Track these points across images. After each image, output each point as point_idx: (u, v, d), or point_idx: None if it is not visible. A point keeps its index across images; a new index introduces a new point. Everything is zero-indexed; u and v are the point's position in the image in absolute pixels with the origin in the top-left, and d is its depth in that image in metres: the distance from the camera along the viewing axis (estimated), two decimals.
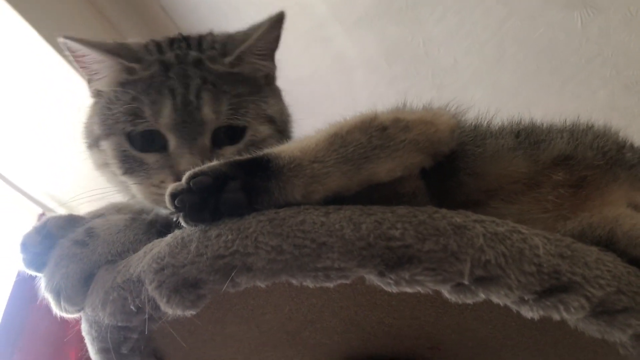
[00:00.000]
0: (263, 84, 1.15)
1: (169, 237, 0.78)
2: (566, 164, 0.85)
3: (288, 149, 0.77)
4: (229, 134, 1.05)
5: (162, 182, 0.99)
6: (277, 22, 1.13)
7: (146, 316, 0.77)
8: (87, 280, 0.84)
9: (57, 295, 0.84)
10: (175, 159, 0.99)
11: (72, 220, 0.94)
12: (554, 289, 0.66)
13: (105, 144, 1.06)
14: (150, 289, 0.75)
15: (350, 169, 0.74)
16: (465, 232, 0.67)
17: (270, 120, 1.10)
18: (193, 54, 1.09)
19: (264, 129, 1.08)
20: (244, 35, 1.13)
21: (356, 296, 0.79)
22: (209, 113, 1.01)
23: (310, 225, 0.70)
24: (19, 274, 2.86)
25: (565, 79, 2.59)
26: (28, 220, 3.71)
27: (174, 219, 0.76)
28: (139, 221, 0.91)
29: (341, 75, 2.78)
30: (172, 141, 1.00)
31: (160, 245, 0.78)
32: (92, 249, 0.85)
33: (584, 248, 0.70)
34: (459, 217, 0.69)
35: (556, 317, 0.67)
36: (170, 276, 0.73)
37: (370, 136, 0.75)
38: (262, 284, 0.72)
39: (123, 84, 1.05)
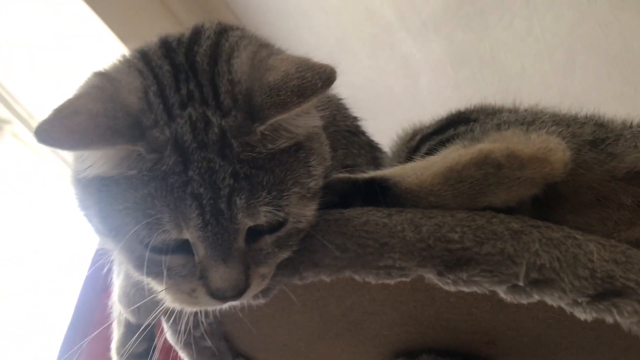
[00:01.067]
0: (304, 141, 0.83)
1: None
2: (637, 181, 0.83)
3: (405, 177, 0.82)
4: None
5: (193, 290, 0.79)
6: (324, 86, 0.74)
7: None
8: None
9: (136, 310, 0.89)
10: (209, 273, 0.77)
11: None
12: (607, 293, 0.69)
13: (110, 243, 0.83)
14: None
15: (465, 202, 0.78)
16: (521, 236, 0.71)
17: (317, 192, 0.83)
18: (213, 122, 0.75)
19: (310, 208, 0.82)
20: (275, 92, 0.74)
21: (415, 292, 0.83)
22: (244, 220, 0.75)
23: (374, 226, 0.76)
24: (91, 266, 3.01)
25: (638, 87, 2.53)
26: None
27: None
28: None
29: (407, 80, 2.80)
30: (201, 250, 0.76)
31: None
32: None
33: (639, 255, 0.72)
34: (516, 222, 0.73)
35: (609, 320, 0.70)
36: None
37: (486, 173, 0.76)
38: (327, 278, 0.78)
39: (126, 179, 0.75)
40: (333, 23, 2.46)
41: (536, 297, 0.72)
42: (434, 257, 0.72)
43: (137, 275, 0.83)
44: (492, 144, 0.78)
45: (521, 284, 0.71)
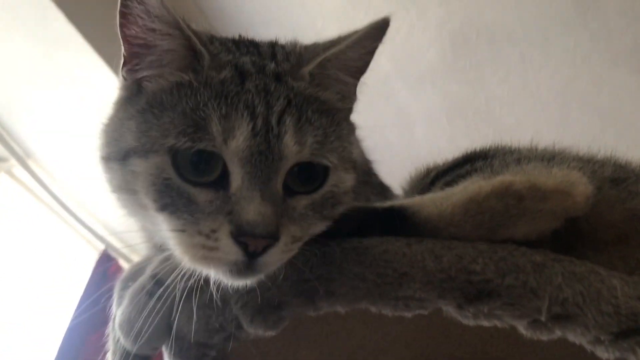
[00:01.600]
0: (343, 118, 0.90)
1: None
2: None
3: (424, 207, 0.81)
4: (303, 177, 0.80)
5: (214, 231, 0.73)
6: (380, 28, 0.86)
7: (228, 334, 0.82)
8: (168, 326, 0.87)
9: (137, 337, 0.86)
10: (240, 204, 0.73)
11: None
12: (631, 331, 0.67)
13: (138, 164, 0.79)
14: (235, 308, 0.80)
15: (485, 234, 0.76)
16: (544, 269, 0.70)
17: (355, 166, 0.88)
18: (270, 66, 0.83)
19: (349, 178, 0.85)
20: (329, 43, 0.87)
21: (430, 328, 0.81)
22: (292, 145, 0.76)
23: (393, 255, 0.74)
24: (77, 307, 2.95)
25: (630, 144, 2.57)
26: (91, 255, 3.84)
27: None
28: None
29: (402, 129, 2.84)
30: (238, 177, 0.74)
31: None
32: (166, 300, 0.83)
33: None
34: (538, 255, 0.72)
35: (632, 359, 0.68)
36: (256, 297, 0.78)
37: (507, 204, 0.75)
38: (342, 309, 0.76)
39: (183, 85, 0.80)
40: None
41: (558, 333, 0.70)
42: (455, 289, 0.71)
43: (152, 208, 0.78)
44: (513, 176, 0.78)
45: (543, 318, 0.69)
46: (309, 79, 0.83)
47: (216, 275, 0.77)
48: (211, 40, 0.86)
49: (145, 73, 0.83)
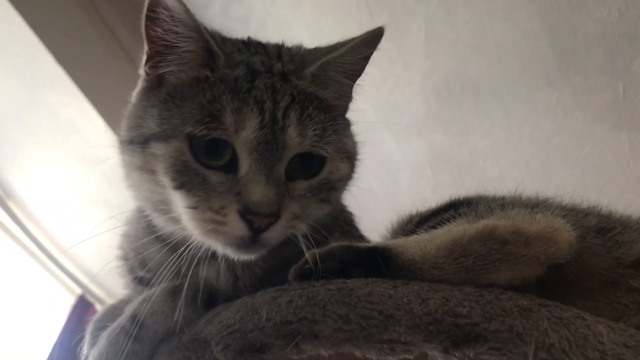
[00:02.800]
0: (339, 114, 1.02)
1: (238, 302, 0.82)
2: None
3: (408, 249, 0.81)
4: (303, 165, 0.93)
5: (223, 208, 0.84)
6: (375, 37, 0.98)
7: None
8: None
9: None
10: (248, 186, 0.84)
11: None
12: None
13: (159, 147, 0.89)
14: (215, 350, 0.78)
15: (468, 277, 0.76)
16: (530, 314, 0.69)
17: (349, 157, 1.00)
18: (277, 64, 0.96)
19: (343, 167, 0.98)
20: (329, 48, 1.00)
21: None
22: (294, 136, 0.88)
23: (378, 297, 0.73)
24: (51, 352, 2.87)
25: (612, 199, 2.59)
26: (68, 300, 3.76)
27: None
28: (182, 298, 0.88)
29: (387, 178, 2.85)
30: (246, 163, 0.86)
31: (229, 309, 0.82)
32: (145, 342, 0.86)
33: None
34: (524, 299, 0.71)
35: None
36: (238, 339, 0.76)
37: (490, 249, 0.75)
38: (325, 353, 0.74)
39: (200, 79, 0.90)
40: None
41: None
42: (441, 332, 0.69)
43: (169, 187, 0.89)
44: (497, 220, 0.78)
45: None
46: (310, 79, 0.96)
47: (224, 249, 0.88)
48: (224, 41, 0.99)
49: (167, 69, 0.94)
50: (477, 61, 2.37)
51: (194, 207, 0.86)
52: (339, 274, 0.80)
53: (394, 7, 2.27)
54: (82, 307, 3.55)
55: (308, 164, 0.94)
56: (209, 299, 0.89)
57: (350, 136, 1.04)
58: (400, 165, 2.82)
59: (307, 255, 0.82)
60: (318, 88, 0.96)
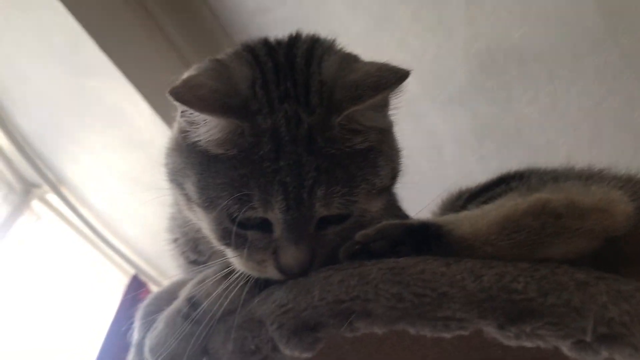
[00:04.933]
0: (375, 144, 0.94)
1: (290, 282, 0.83)
2: None
3: (458, 225, 0.80)
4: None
5: (263, 261, 0.90)
6: (397, 82, 0.88)
7: (263, 356, 0.81)
8: (203, 350, 0.89)
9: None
10: (280, 250, 0.89)
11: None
12: None
13: (200, 213, 0.95)
14: (270, 329, 0.79)
15: (522, 253, 0.75)
16: (588, 288, 0.68)
17: (382, 190, 0.96)
18: (304, 120, 0.88)
19: (375, 205, 0.95)
20: (354, 87, 0.87)
21: (470, 350, 0.79)
22: (320, 209, 0.88)
23: (431, 274, 0.73)
24: (108, 333, 2.97)
25: None
26: (121, 281, 3.86)
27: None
28: (236, 279, 0.91)
29: (431, 150, 2.82)
30: (278, 230, 0.89)
31: (281, 289, 0.83)
32: (202, 323, 0.88)
33: None
34: (581, 273, 0.70)
35: None
36: (292, 318, 0.77)
37: (544, 223, 0.73)
38: (379, 331, 0.75)
39: (229, 155, 0.89)
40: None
41: (604, 354, 0.67)
42: (496, 308, 0.69)
43: (217, 244, 0.96)
44: (550, 194, 0.76)
45: (588, 339, 0.67)
46: (338, 128, 0.88)
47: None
48: (253, 84, 0.91)
49: (197, 139, 0.92)
50: (519, 27, 2.31)
51: (239, 256, 0.93)
52: (389, 253, 0.80)
53: None
54: (136, 286, 3.65)
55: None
56: (263, 279, 0.91)
57: (385, 165, 0.96)
58: (444, 136, 2.79)
59: (357, 235, 0.82)
60: (347, 138, 0.90)
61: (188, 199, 0.96)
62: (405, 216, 1.13)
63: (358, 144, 0.91)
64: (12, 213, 3.35)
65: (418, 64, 2.53)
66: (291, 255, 0.87)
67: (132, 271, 3.78)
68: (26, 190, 3.37)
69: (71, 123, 2.89)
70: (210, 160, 0.90)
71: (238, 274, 0.91)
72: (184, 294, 0.91)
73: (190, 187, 0.93)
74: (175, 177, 0.98)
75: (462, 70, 2.52)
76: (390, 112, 1.02)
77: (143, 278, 3.72)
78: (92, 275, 3.78)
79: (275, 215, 0.87)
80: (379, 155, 0.94)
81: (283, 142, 0.87)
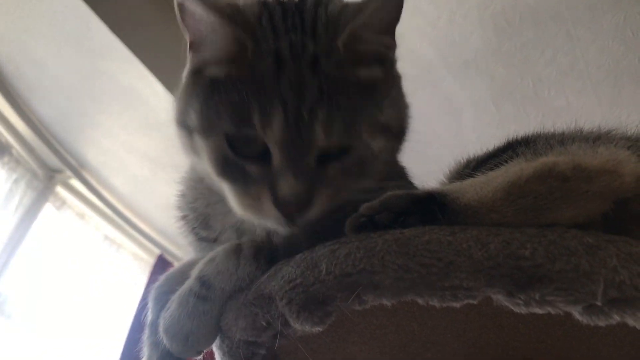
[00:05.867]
0: (379, 79, 0.95)
1: (298, 257, 0.82)
2: None
3: (463, 192, 0.78)
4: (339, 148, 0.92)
5: (259, 196, 0.89)
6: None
7: (275, 332, 0.81)
8: (216, 328, 0.89)
9: (185, 339, 0.87)
10: (278, 180, 0.87)
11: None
12: None
13: (200, 141, 0.94)
14: (280, 305, 0.79)
15: (529, 219, 0.73)
16: (597, 251, 0.66)
17: (386, 129, 0.95)
18: (309, 47, 0.90)
19: (377, 143, 0.94)
20: (357, 9, 0.91)
21: (481, 318, 0.79)
22: (321, 135, 0.87)
23: (437, 244, 0.72)
24: (137, 312, 3.03)
25: None
26: (147, 262, 3.93)
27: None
28: (245, 256, 0.90)
29: (449, 117, 2.79)
30: (277, 157, 0.87)
31: (289, 264, 0.82)
32: (214, 301, 0.88)
33: None
34: (590, 237, 0.68)
35: None
36: (301, 293, 0.77)
37: (550, 187, 0.71)
38: (388, 302, 0.74)
39: (232, 76, 0.90)
40: None
41: (616, 318, 0.66)
42: (504, 276, 0.67)
43: (213, 176, 0.95)
44: (556, 157, 0.74)
45: (599, 303, 0.65)
46: (343, 50, 0.89)
47: (264, 226, 0.94)
48: (260, 17, 0.94)
49: (201, 63, 0.95)
50: None
51: (236, 191, 0.92)
52: (395, 224, 0.79)
53: None
54: (162, 266, 3.70)
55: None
56: (270, 254, 0.91)
57: (390, 104, 0.96)
58: (462, 103, 2.76)
59: (362, 207, 0.81)
60: (352, 62, 0.90)
61: (190, 132, 0.95)
62: (415, 188, 1.12)
63: (363, 74, 0.92)
64: (37, 199, 3.41)
65: (432, 30, 2.49)
66: (289, 186, 0.86)
67: (157, 251, 3.84)
68: (49, 176, 3.43)
69: (88, 106, 2.92)
70: (214, 86, 0.91)
71: (247, 249, 0.91)
72: (194, 273, 0.91)
73: (193, 117, 0.94)
74: (182, 118, 0.98)
75: (478, 34, 2.48)
76: (397, 66, 1.03)
77: (169, 258, 3.77)
78: (119, 257, 3.84)
79: (274, 136, 0.86)
80: (384, 94, 0.95)
81: (286, 62, 0.88)
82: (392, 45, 0.98)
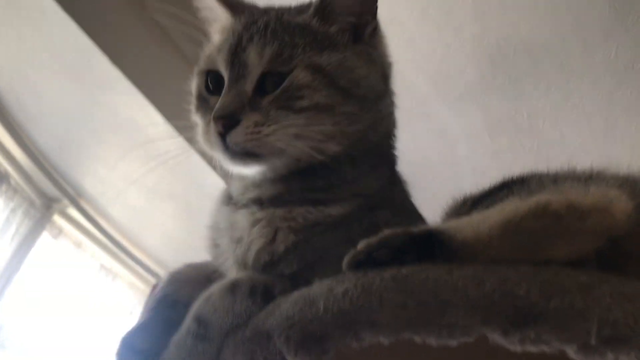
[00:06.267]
0: (342, 41, 1.07)
1: (295, 294, 0.83)
2: None
3: (460, 230, 0.79)
4: (276, 82, 1.01)
5: (209, 121, 1.00)
6: None
7: None
8: None
9: None
10: (217, 104, 1.00)
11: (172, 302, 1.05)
12: None
13: (193, 82, 1.14)
14: (278, 342, 0.79)
15: (525, 256, 0.75)
16: (591, 290, 0.68)
17: (317, 69, 1.01)
18: (282, 10, 1.12)
19: (303, 76, 1.00)
20: None
21: (477, 356, 0.79)
22: (252, 55, 1.00)
23: (434, 282, 0.73)
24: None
25: None
26: (143, 291, 3.91)
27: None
28: (241, 292, 0.91)
29: (444, 148, 2.81)
30: (225, 84, 1.02)
31: (288, 302, 0.83)
32: (211, 339, 0.88)
33: None
34: (584, 275, 0.69)
35: None
36: (298, 331, 0.78)
37: (545, 224, 0.73)
38: (385, 340, 0.75)
39: (221, 45, 1.08)
40: None
41: (611, 357, 0.67)
42: (500, 314, 0.68)
43: (193, 115, 1.12)
44: (550, 195, 0.76)
45: (593, 342, 0.66)
46: (309, 18, 1.07)
47: (218, 158, 1.04)
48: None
49: (210, 32, 1.20)
50: (528, 21, 2.30)
51: (200, 124, 1.06)
52: (393, 261, 0.80)
53: None
54: None
55: (279, 81, 1.01)
56: (266, 291, 0.91)
57: (337, 57, 1.04)
58: (457, 134, 2.78)
59: (360, 244, 0.82)
60: (315, 22, 1.07)
61: (192, 80, 1.15)
62: (420, 219, 1.13)
63: (316, 26, 1.07)
64: (34, 227, 3.41)
65: (427, 63, 2.53)
66: (221, 103, 0.98)
67: (153, 281, 3.82)
68: (47, 205, 3.43)
69: (87, 137, 2.94)
70: (210, 58, 1.10)
71: (244, 286, 0.91)
72: (191, 312, 0.92)
73: (195, 78, 1.13)
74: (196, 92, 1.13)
75: (472, 67, 2.52)
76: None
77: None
78: (115, 286, 3.82)
79: (222, 61, 1.03)
80: (331, 47, 1.05)
81: (256, 15, 1.09)
82: (363, 20, 1.09)
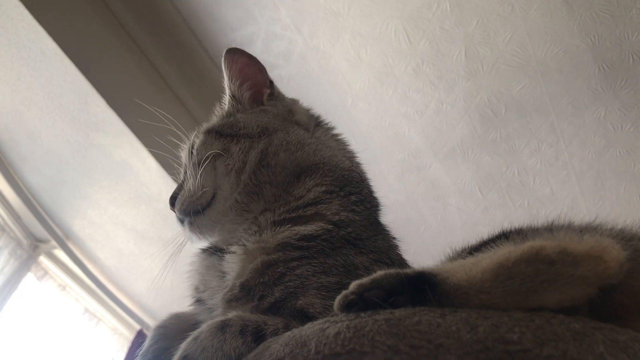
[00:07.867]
0: (235, 111, 1.36)
1: (287, 335, 0.82)
2: None
3: (453, 273, 0.79)
4: None
5: None
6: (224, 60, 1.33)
7: None
8: None
9: None
10: None
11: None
12: None
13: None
14: None
15: (517, 301, 0.74)
16: (584, 338, 0.67)
17: (207, 131, 1.28)
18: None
19: (197, 140, 1.27)
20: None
21: None
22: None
23: (427, 326, 0.72)
24: None
25: None
26: (126, 337, 3.83)
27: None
28: (231, 331, 0.90)
29: (435, 202, 2.83)
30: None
31: (278, 342, 0.82)
32: None
33: None
34: (577, 323, 0.69)
35: None
36: None
37: (537, 269, 0.73)
38: None
39: None
40: (362, 147, 2.55)
41: None
42: (493, 359, 0.68)
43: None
44: (543, 241, 0.76)
45: None
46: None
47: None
48: None
49: None
50: (519, 80, 2.35)
51: None
52: (386, 302, 0.79)
53: (433, 32, 2.28)
54: (142, 341, 3.61)
55: None
56: (257, 331, 0.90)
57: (224, 117, 1.36)
58: (448, 188, 2.80)
59: (352, 284, 0.82)
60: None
61: None
62: (406, 266, 1.13)
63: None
64: (19, 268, 3.35)
65: (420, 118, 2.57)
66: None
67: (137, 326, 3.75)
68: (34, 246, 3.39)
69: (79, 178, 2.93)
70: None
71: (234, 325, 0.90)
72: (180, 351, 0.90)
73: None
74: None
75: (464, 123, 2.56)
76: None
77: (148, 333, 3.69)
78: (97, 331, 3.75)
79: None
80: (238, 112, 1.36)
81: None
82: (245, 92, 1.36)
